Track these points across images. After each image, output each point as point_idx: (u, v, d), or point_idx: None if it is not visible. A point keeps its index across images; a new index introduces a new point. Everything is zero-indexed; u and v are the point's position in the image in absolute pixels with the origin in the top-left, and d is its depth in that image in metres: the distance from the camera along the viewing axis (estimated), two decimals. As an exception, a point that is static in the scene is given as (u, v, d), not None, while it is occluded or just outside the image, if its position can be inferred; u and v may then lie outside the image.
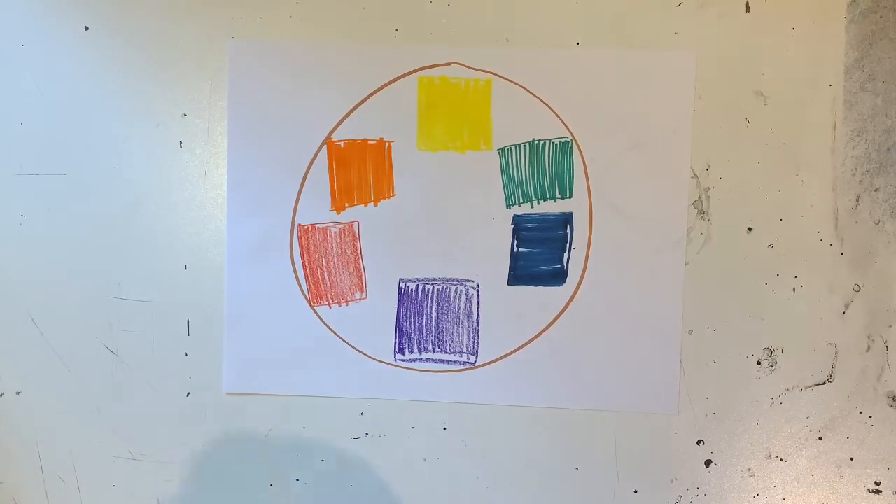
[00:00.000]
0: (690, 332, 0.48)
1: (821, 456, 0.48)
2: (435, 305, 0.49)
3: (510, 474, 0.49)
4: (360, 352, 0.49)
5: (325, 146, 0.49)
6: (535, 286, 0.49)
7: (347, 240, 0.49)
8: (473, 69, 0.48)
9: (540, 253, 0.49)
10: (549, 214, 0.49)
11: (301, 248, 0.49)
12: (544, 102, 0.48)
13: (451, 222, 0.49)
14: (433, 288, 0.49)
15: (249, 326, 0.49)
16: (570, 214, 0.48)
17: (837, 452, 0.48)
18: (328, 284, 0.49)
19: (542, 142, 0.48)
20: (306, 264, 0.49)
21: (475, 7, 0.48)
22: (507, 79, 0.48)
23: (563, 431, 0.49)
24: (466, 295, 0.49)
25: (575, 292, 0.49)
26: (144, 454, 0.50)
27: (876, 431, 0.48)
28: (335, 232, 0.49)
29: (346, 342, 0.49)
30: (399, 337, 0.49)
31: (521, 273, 0.49)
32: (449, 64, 0.48)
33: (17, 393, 0.50)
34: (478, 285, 0.49)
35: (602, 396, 0.49)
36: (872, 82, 0.47)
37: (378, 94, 0.48)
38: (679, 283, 0.48)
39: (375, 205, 0.49)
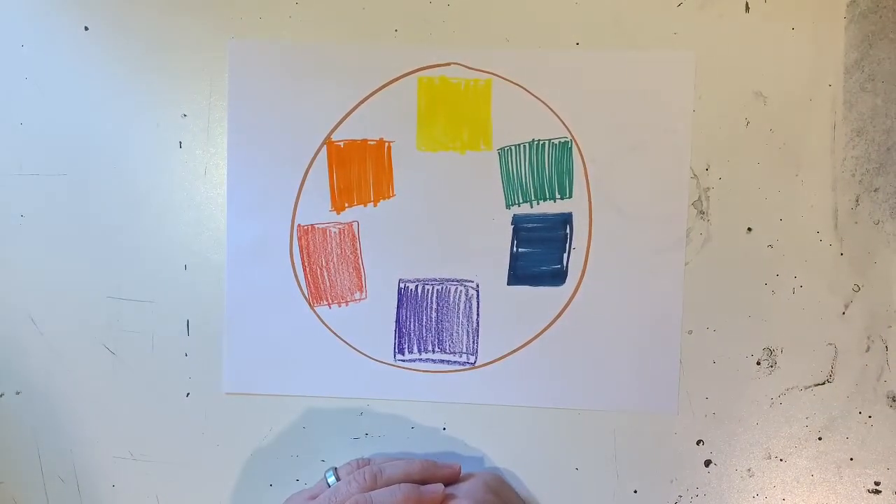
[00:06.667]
0: (690, 332, 0.48)
1: (820, 456, 0.48)
2: (435, 306, 0.49)
3: (509, 474, 0.49)
4: (359, 352, 0.49)
5: (324, 146, 0.49)
6: (535, 286, 0.49)
7: (347, 240, 0.49)
8: (473, 69, 0.48)
9: (540, 253, 0.49)
10: (549, 214, 0.49)
11: (301, 248, 0.49)
12: (544, 102, 0.48)
13: (451, 222, 0.49)
14: (433, 288, 0.49)
15: (249, 326, 0.49)
16: (570, 214, 0.48)
17: (837, 453, 0.48)
18: (328, 285, 0.49)
19: (541, 142, 0.48)
20: (306, 264, 0.49)
21: (475, 7, 0.48)
22: (507, 79, 0.48)
23: (563, 431, 0.49)
24: (466, 295, 0.49)
25: (575, 292, 0.49)
26: (144, 454, 0.50)
27: (876, 432, 0.48)
28: (335, 232, 0.49)
29: (345, 342, 0.49)
30: (399, 337, 0.49)
31: (520, 273, 0.49)
32: (448, 64, 0.48)
33: (17, 393, 0.50)
34: (477, 285, 0.49)
35: (602, 396, 0.49)
36: (872, 83, 0.47)
37: (378, 94, 0.48)
38: (679, 283, 0.48)
39: (375, 205, 0.49)
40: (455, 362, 0.49)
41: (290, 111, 0.49)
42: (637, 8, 0.48)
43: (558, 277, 0.49)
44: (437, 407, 0.49)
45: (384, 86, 0.49)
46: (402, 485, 0.42)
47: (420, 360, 0.49)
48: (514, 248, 0.49)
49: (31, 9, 0.49)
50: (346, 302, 0.49)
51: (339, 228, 0.49)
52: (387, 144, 0.49)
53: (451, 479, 0.45)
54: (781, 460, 0.49)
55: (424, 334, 0.49)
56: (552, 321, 0.49)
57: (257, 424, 0.50)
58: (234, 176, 0.49)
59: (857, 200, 0.48)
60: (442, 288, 0.49)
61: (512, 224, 0.49)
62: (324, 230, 0.49)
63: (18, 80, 0.49)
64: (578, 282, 0.49)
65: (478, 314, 0.49)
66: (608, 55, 0.48)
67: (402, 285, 0.49)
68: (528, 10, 0.48)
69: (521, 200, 0.49)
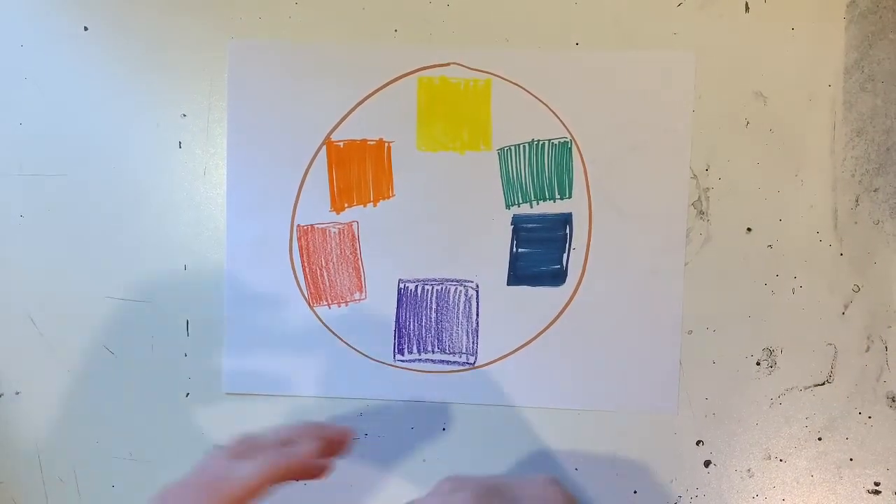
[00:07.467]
0: (690, 332, 0.48)
1: (820, 456, 0.48)
2: (434, 306, 0.49)
3: (510, 475, 0.49)
4: (359, 352, 0.49)
5: (324, 146, 0.49)
6: (535, 286, 0.49)
7: (347, 240, 0.49)
8: (473, 69, 0.48)
9: (539, 253, 0.49)
10: (549, 215, 0.49)
11: (300, 248, 0.49)
12: (544, 103, 0.48)
13: (451, 223, 0.49)
14: (432, 288, 0.49)
15: (249, 327, 0.49)
16: (570, 215, 0.48)
17: (837, 453, 0.48)
18: (328, 285, 0.49)
19: (541, 142, 0.48)
20: (306, 265, 0.49)
21: (475, 7, 0.48)
22: (506, 79, 0.48)
23: (562, 431, 0.49)
24: (466, 295, 0.49)
25: (574, 292, 0.49)
26: (144, 454, 0.50)
27: (875, 432, 0.48)
28: (335, 232, 0.49)
29: (345, 342, 0.49)
30: (398, 337, 0.49)
31: (520, 273, 0.49)
32: (448, 64, 0.48)
33: (17, 393, 0.50)
34: (477, 286, 0.49)
35: (602, 396, 0.49)
36: (872, 83, 0.47)
37: (378, 94, 0.48)
38: (679, 284, 0.48)
39: (375, 205, 0.49)
40: (455, 362, 0.49)
41: (289, 111, 0.49)
42: (637, 8, 0.48)
43: (558, 277, 0.49)
44: (436, 407, 0.49)
45: (384, 86, 0.48)
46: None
47: (420, 360, 0.49)
48: (514, 248, 0.49)
49: (31, 9, 0.49)
50: (346, 302, 0.49)
51: (339, 228, 0.49)
52: (387, 144, 0.49)
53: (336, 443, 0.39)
54: (781, 461, 0.49)
55: (424, 334, 0.49)
56: (552, 321, 0.49)
57: (257, 424, 0.50)
58: (234, 176, 0.49)
59: (857, 201, 0.48)
60: (442, 288, 0.49)
61: (512, 224, 0.49)
62: (324, 230, 0.49)
63: (18, 80, 0.49)
64: (578, 282, 0.49)
65: (477, 314, 0.49)
66: (608, 55, 0.48)
67: (401, 285, 0.49)
68: (528, 10, 0.48)
69: (520, 200, 0.49)
